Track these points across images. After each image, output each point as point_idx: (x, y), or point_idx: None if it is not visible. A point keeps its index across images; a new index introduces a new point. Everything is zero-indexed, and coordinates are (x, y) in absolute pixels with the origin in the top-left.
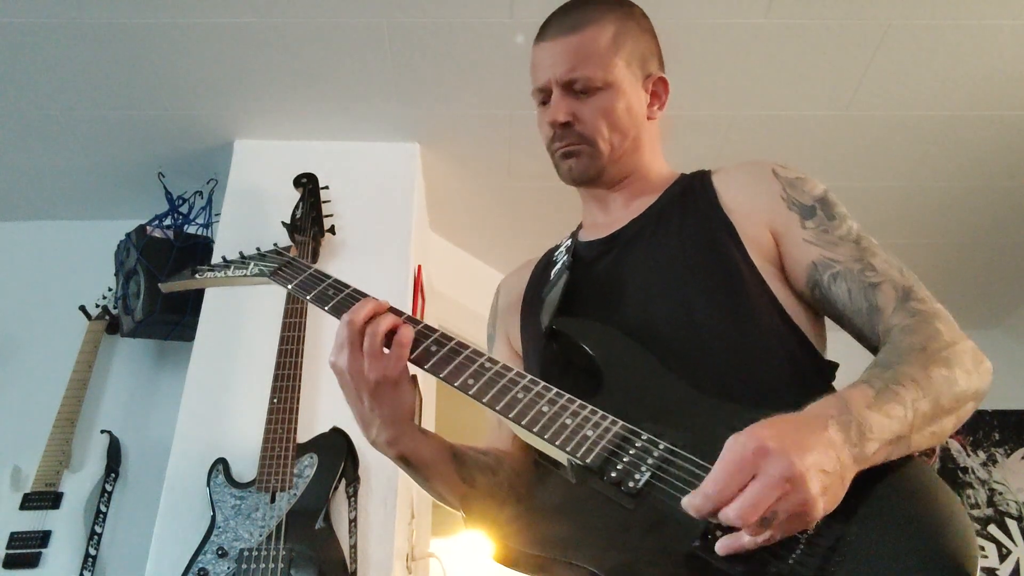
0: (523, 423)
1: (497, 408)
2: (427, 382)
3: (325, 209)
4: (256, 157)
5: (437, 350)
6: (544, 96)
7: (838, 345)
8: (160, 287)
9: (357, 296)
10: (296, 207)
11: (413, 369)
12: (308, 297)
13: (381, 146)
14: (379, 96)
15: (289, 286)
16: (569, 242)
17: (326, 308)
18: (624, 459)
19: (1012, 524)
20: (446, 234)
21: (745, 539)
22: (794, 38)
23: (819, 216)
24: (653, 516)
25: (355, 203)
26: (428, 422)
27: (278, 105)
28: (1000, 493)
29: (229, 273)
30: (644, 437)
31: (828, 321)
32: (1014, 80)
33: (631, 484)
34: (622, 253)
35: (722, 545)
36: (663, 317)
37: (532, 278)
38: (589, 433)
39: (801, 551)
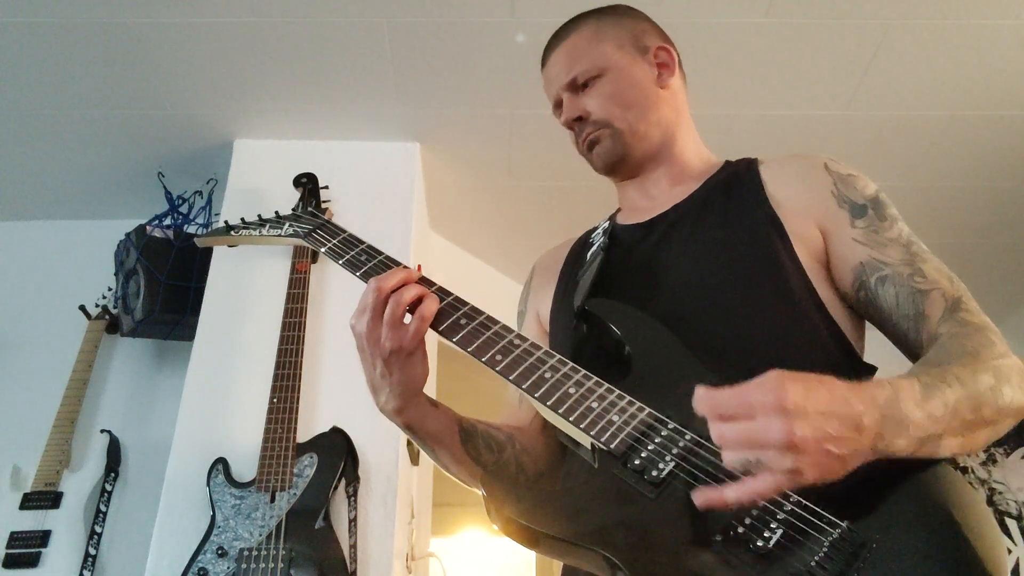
0: (548, 403)
1: (523, 387)
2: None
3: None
4: (256, 157)
5: (467, 323)
6: (560, 109)
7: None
8: (195, 241)
9: (389, 263)
10: (296, 207)
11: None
12: (340, 262)
13: (381, 146)
14: (379, 96)
15: (322, 249)
16: (607, 224)
17: (357, 274)
18: (648, 447)
19: (1012, 524)
20: (446, 234)
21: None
22: (794, 38)
23: (870, 216)
24: (674, 507)
25: (355, 203)
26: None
27: (278, 105)
28: (1000, 493)
29: (264, 232)
30: (670, 426)
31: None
32: (1014, 80)
33: (654, 473)
34: (662, 239)
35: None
36: (700, 308)
37: (568, 258)
38: (615, 418)
39: (824, 554)
